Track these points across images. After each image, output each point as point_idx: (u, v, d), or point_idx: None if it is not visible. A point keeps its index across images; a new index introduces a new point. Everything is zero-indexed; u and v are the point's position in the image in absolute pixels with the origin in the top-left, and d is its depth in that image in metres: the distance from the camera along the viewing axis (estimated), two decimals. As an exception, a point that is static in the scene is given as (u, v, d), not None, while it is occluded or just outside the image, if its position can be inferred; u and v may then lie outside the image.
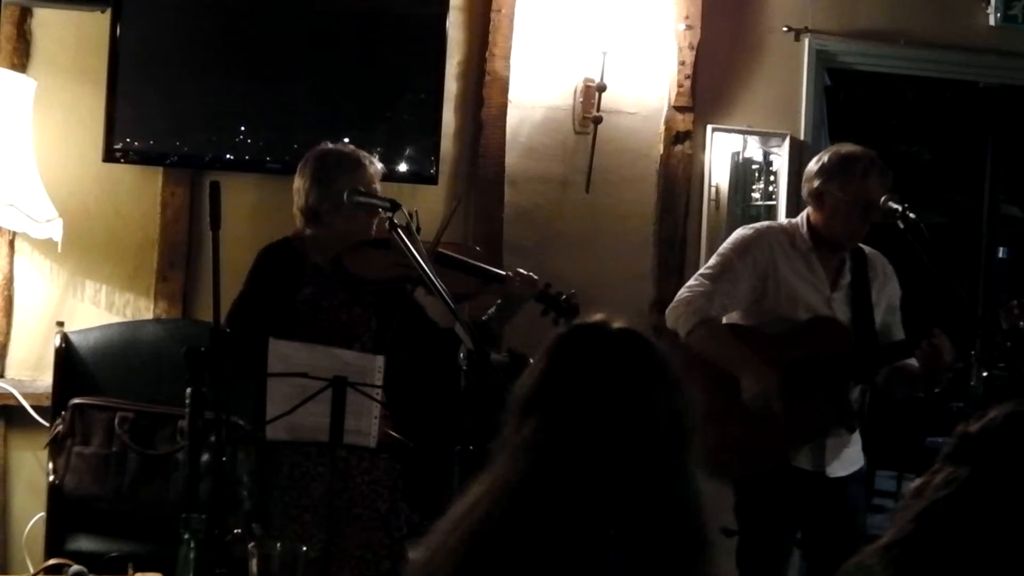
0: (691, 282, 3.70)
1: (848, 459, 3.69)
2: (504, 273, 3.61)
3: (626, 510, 1.68)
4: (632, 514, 1.68)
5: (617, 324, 1.81)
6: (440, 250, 3.51)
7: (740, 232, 3.78)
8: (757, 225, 3.85)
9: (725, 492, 3.64)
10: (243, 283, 3.48)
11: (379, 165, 3.60)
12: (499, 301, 3.57)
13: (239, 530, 2.97)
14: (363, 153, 3.57)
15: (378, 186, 3.53)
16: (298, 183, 3.53)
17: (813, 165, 3.72)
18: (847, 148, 3.73)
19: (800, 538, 3.80)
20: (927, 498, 1.70)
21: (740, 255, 3.67)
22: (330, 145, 3.61)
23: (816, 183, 3.67)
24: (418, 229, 3.40)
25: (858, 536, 3.61)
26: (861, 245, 3.77)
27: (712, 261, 3.73)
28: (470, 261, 3.59)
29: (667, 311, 3.70)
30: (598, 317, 1.83)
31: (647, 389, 1.75)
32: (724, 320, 3.71)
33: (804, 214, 3.74)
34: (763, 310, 3.67)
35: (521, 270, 3.62)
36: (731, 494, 3.69)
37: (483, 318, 3.55)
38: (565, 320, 3.59)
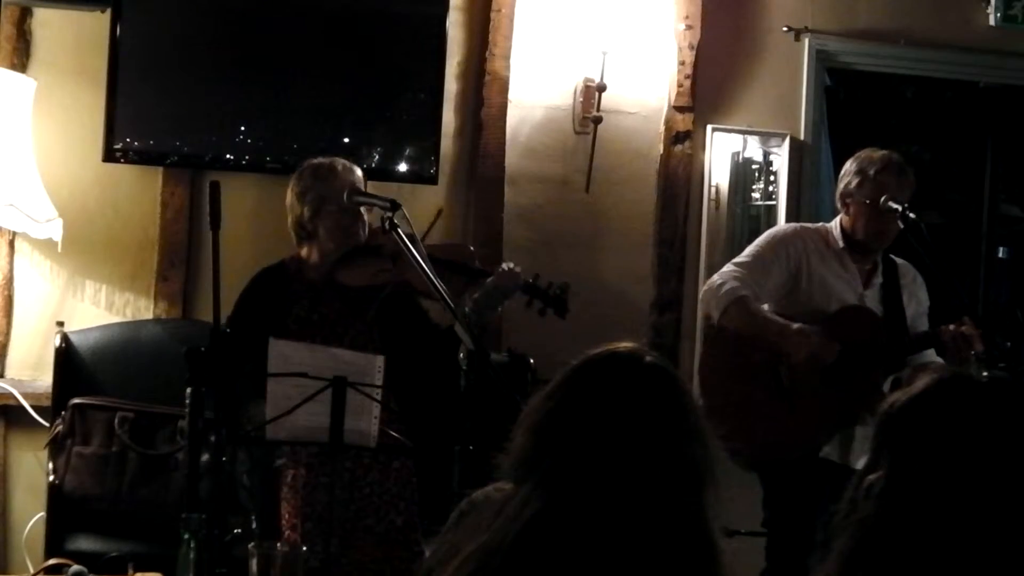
0: (724, 269, 3.78)
1: None
2: (486, 270, 3.60)
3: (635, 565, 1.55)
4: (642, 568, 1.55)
5: (647, 357, 1.63)
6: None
7: (776, 228, 3.97)
8: (794, 224, 4.03)
9: (743, 490, 3.64)
10: (235, 303, 3.55)
11: (358, 172, 3.63)
12: (475, 295, 3.51)
13: (239, 530, 2.97)
14: (341, 161, 3.62)
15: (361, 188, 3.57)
16: (288, 199, 3.63)
17: (842, 170, 3.84)
18: (867, 151, 3.82)
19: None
20: (871, 500, 1.64)
21: (774, 247, 3.78)
22: (314, 160, 3.66)
23: (841, 186, 3.81)
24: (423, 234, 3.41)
25: None
26: (893, 257, 3.86)
27: (746, 251, 3.83)
28: (452, 260, 3.57)
29: (700, 296, 3.91)
30: (624, 346, 1.65)
31: (670, 437, 1.59)
32: None
33: (838, 218, 3.85)
34: (796, 301, 3.74)
35: (507, 264, 3.61)
36: (758, 487, 3.72)
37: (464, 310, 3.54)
38: (554, 312, 3.57)
